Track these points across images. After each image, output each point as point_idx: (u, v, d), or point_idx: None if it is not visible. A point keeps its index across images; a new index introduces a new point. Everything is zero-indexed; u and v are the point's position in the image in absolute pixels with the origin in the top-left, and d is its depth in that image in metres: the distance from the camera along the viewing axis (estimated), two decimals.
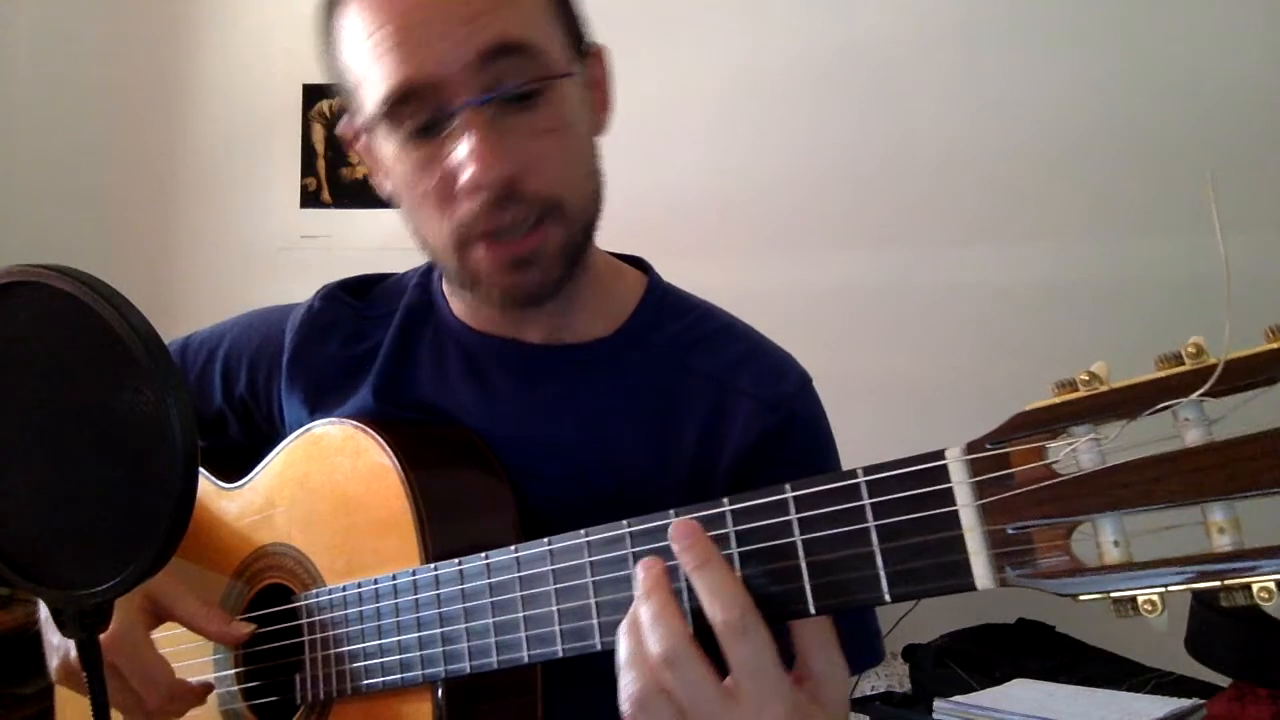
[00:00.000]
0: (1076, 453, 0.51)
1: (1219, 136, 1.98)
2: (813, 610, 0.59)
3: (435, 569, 0.76)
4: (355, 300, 1.00)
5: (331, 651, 0.84)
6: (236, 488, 0.98)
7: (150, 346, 0.54)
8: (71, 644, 0.62)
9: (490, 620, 0.72)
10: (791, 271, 2.30)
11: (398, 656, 0.78)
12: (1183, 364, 0.48)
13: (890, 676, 1.87)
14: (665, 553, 0.63)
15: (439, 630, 0.75)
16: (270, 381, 1.00)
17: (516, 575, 0.71)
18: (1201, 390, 0.47)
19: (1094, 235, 2.11)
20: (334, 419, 0.89)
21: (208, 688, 0.91)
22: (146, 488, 0.56)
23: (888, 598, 0.56)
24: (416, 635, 0.77)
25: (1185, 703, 1.45)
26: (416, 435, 0.86)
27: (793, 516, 0.59)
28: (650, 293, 0.93)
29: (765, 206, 2.35)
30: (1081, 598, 0.50)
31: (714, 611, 0.59)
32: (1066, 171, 2.12)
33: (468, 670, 0.74)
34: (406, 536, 0.79)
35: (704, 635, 0.59)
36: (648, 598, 0.60)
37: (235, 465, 0.99)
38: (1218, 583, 0.47)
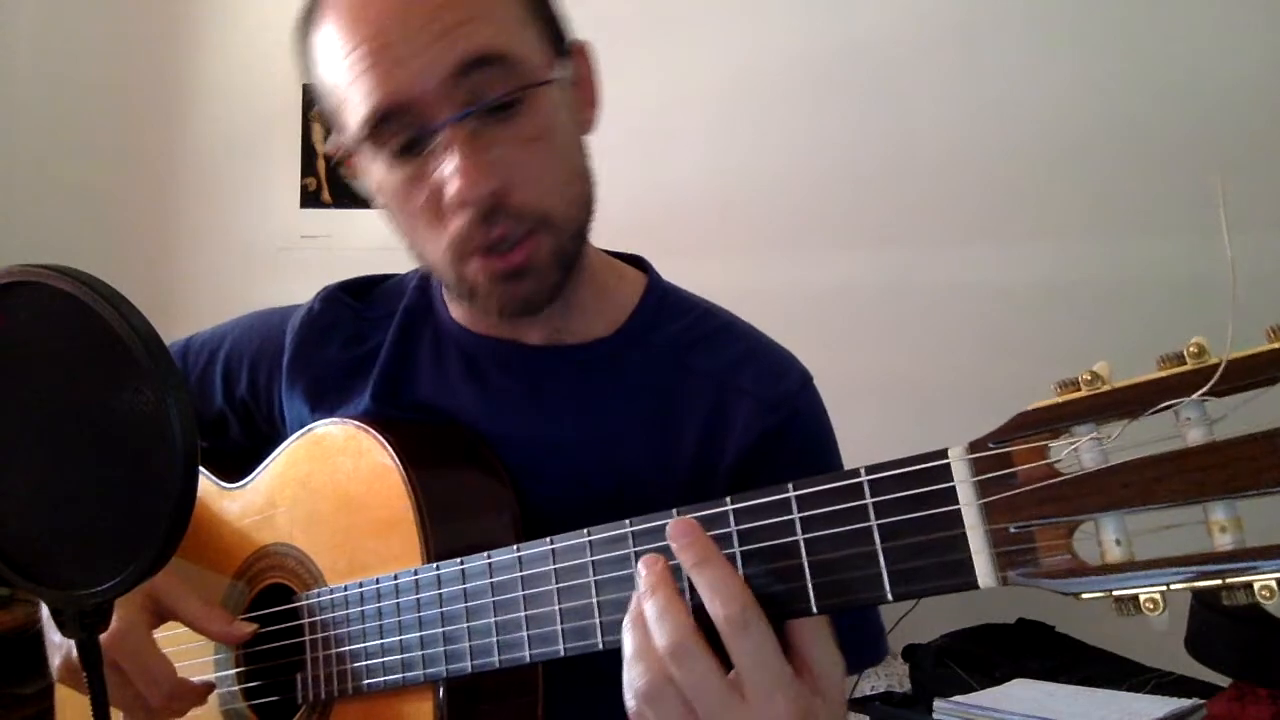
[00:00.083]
0: (1078, 452, 0.51)
1: (1219, 136, 1.98)
2: (815, 609, 0.59)
3: (437, 568, 0.76)
4: (355, 302, 1.00)
5: (333, 651, 0.84)
6: (238, 488, 0.98)
7: (150, 346, 0.54)
8: (72, 643, 0.62)
9: (492, 619, 0.72)
10: (791, 271, 2.30)
11: (399, 656, 0.78)
12: (1184, 364, 0.48)
13: (890, 676, 1.87)
14: (667, 552, 0.63)
15: (440, 630, 0.75)
16: (271, 383, 1.00)
17: (519, 575, 0.71)
18: (1203, 390, 0.47)
19: (1094, 235, 2.11)
20: (336, 419, 0.89)
21: (209, 687, 0.91)
22: (147, 488, 0.56)
23: (890, 597, 0.56)
24: (418, 635, 0.77)
25: (1185, 703, 1.45)
26: (418, 435, 0.86)
27: (795, 516, 0.59)
28: (650, 292, 0.93)
29: (765, 206, 2.35)
30: (1083, 597, 0.51)
31: (715, 607, 0.59)
32: (1066, 171, 2.12)
33: (469, 670, 0.74)
34: (408, 536, 0.79)
35: (706, 632, 0.59)
36: (652, 593, 0.61)
37: (237, 465, 0.99)
38: (1219, 581, 0.47)
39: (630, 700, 0.61)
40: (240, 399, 1.03)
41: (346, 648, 0.82)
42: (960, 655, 1.76)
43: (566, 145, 0.82)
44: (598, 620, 0.66)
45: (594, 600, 0.67)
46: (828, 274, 2.29)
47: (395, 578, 0.79)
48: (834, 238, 2.31)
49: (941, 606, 1.87)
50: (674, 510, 0.64)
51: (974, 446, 0.54)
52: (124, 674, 0.85)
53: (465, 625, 0.74)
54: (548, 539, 0.70)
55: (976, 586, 0.53)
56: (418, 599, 0.77)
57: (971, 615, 1.92)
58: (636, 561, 0.63)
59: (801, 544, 0.59)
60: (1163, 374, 0.49)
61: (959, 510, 0.54)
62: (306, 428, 0.92)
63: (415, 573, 0.78)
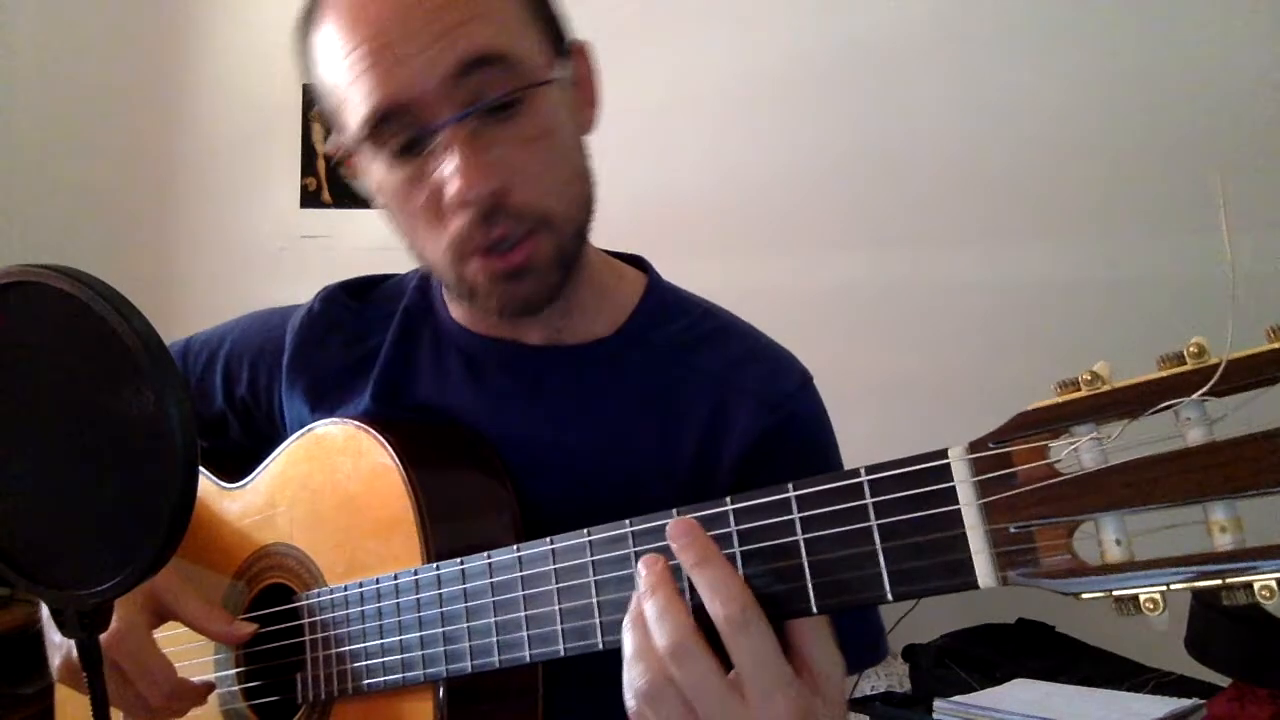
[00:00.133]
0: (1079, 452, 0.51)
1: (1220, 136, 1.98)
2: (815, 609, 0.59)
3: (437, 568, 0.76)
4: (355, 302, 1.00)
5: (333, 651, 0.84)
6: (238, 487, 0.98)
7: (150, 347, 0.54)
8: (73, 643, 0.62)
9: (492, 619, 0.72)
10: (792, 271, 2.30)
11: (399, 656, 0.78)
12: (1184, 364, 0.48)
13: (890, 676, 1.87)
14: (668, 552, 0.63)
15: (440, 629, 0.75)
16: (271, 383, 1.00)
17: (519, 575, 0.71)
18: (1203, 390, 0.47)
19: (1094, 235, 2.11)
20: (336, 419, 0.89)
21: (209, 687, 0.91)
22: (147, 488, 0.56)
23: (890, 596, 0.56)
24: (418, 635, 0.77)
25: (1185, 703, 1.46)
26: (418, 435, 0.86)
27: (795, 516, 0.59)
28: (650, 292, 0.93)
29: (766, 206, 2.35)
30: (1083, 597, 0.51)
31: (714, 607, 0.59)
32: (1066, 171, 2.11)
33: (469, 670, 0.74)
34: (408, 536, 0.79)
35: (706, 632, 0.59)
36: (652, 593, 0.61)
37: (237, 465, 0.99)
38: (1219, 581, 0.47)
39: (630, 701, 0.61)
40: (240, 399, 1.03)
41: (346, 648, 0.82)
42: (960, 655, 1.76)
43: (566, 145, 0.82)
44: (597, 620, 0.66)
45: (594, 600, 0.67)
46: (828, 274, 2.29)
47: (395, 578, 0.79)
48: (834, 238, 2.31)
49: (941, 606, 1.87)
50: (674, 510, 0.64)
51: (974, 446, 0.54)
52: (124, 674, 0.85)
53: (465, 625, 0.74)
54: (547, 539, 0.70)
55: (976, 586, 0.53)
56: (418, 599, 0.77)
57: (971, 615, 1.92)
58: (636, 561, 0.63)
59: (801, 544, 0.59)
60: (1163, 374, 0.49)
61: (959, 510, 0.54)
62: (307, 428, 0.92)
63: (415, 573, 0.78)
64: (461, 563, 0.74)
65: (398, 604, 0.79)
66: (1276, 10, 1.96)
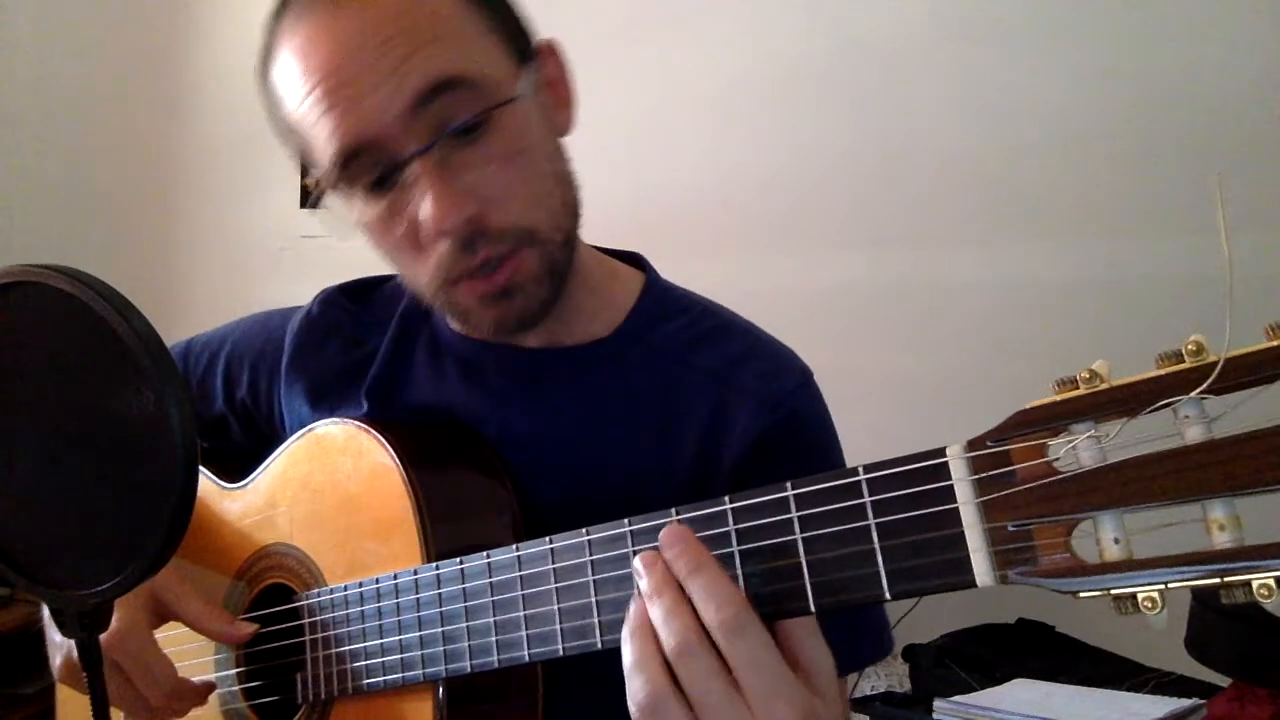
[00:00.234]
0: (1077, 450, 0.51)
1: (1219, 136, 1.98)
2: (813, 608, 0.59)
3: (436, 568, 0.76)
4: (354, 305, 1.00)
5: (333, 651, 0.84)
6: (238, 488, 0.98)
7: (151, 347, 0.54)
8: (73, 643, 0.62)
9: (491, 619, 0.72)
10: (791, 271, 2.30)
11: (399, 656, 0.78)
12: (1183, 362, 0.48)
13: (890, 676, 1.87)
14: None
15: (440, 629, 0.75)
16: (270, 385, 1.01)
17: (518, 574, 0.71)
18: (1202, 388, 0.47)
19: (1094, 235, 2.11)
20: (336, 419, 0.89)
21: (210, 687, 0.91)
22: (147, 488, 0.56)
23: (888, 595, 0.56)
24: (417, 634, 0.77)
25: (1185, 703, 1.45)
26: (418, 435, 0.86)
27: (793, 514, 0.59)
28: (648, 291, 0.93)
29: (765, 206, 2.35)
30: (1082, 595, 0.50)
31: (709, 612, 0.58)
32: (1066, 171, 2.11)
33: (469, 669, 0.74)
34: (408, 536, 0.79)
35: None
36: (658, 594, 0.60)
37: (238, 465, 0.99)
38: (1218, 580, 0.47)
39: (635, 713, 0.60)
40: (240, 401, 1.03)
41: (346, 647, 0.83)
42: (960, 655, 1.76)
43: (540, 155, 0.80)
44: (596, 620, 0.66)
45: (593, 600, 0.67)
46: (828, 274, 2.29)
47: (395, 578, 0.79)
48: (834, 238, 2.31)
49: (941, 606, 1.87)
50: (673, 510, 0.64)
51: (972, 445, 0.54)
52: (124, 674, 0.85)
53: (464, 625, 0.74)
54: (547, 539, 0.70)
55: (975, 585, 0.53)
56: (417, 599, 0.77)
57: (971, 615, 1.92)
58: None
59: (800, 543, 0.59)
60: (1161, 372, 0.48)
61: (957, 509, 0.54)
62: (307, 427, 0.92)
63: (415, 573, 0.78)
64: (461, 562, 0.74)
65: (397, 604, 0.79)
66: (1276, 10, 1.96)
